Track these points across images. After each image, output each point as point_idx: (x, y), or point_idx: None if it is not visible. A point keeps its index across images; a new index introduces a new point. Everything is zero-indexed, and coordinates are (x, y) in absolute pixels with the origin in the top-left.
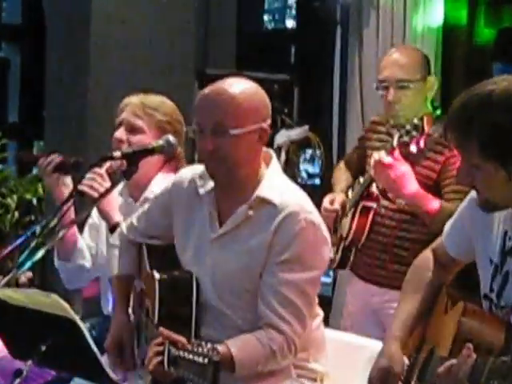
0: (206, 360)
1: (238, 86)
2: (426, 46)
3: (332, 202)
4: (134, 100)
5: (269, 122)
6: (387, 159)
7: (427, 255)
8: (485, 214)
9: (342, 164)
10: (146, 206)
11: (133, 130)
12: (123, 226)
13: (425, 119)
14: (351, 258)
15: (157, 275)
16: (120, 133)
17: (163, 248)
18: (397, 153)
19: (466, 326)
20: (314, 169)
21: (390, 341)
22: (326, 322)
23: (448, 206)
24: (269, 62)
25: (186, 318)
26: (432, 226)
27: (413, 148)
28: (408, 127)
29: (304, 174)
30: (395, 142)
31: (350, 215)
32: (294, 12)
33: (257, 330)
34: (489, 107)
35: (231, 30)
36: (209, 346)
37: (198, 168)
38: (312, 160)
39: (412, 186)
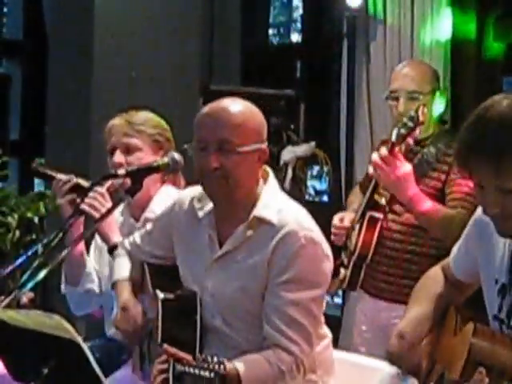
0: (213, 374)
1: (239, 106)
2: (435, 61)
3: (342, 220)
4: (118, 121)
5: (266, 143)
6: (384, 153)
7: (437, 271)
8: (490, 235)
9: (356, 188)
10: (149, 226)
11: (128, 150)
12: (126, 243)
13: (420, 110)
14: (361, 276)
15: (160, 295)
16: (118, 157)
17: (166, 268)
18: (397, 149)
19: (477, 347)
20: (322, 185)
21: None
22: (336, 343)
23: (450, 213)
24: (274, 78)
25: (189, 338)
26: (432, 231)
27: (410, 140)
28: (405, 120)
29: (311, 191)
30: (394, 137)
31: (357, 228)
32: (299, 26)
33: (265, 350)
34: None
35: (236, 45)
36: (215, 359)
37: (197, 190)
38: (319, 176)
39: (411, 188)
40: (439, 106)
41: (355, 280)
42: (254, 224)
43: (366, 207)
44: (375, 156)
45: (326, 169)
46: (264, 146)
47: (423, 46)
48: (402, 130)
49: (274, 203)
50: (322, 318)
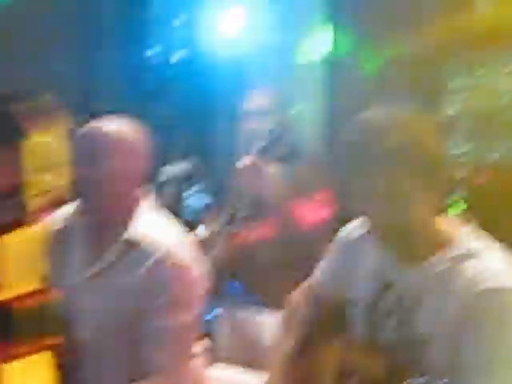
0: None
1: (114, 126)
2: (313, 78)
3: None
4: None
5: (144, 162)
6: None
7: (301, 292)
8: (350, 253)
9: None
10: None
11: None
12: None
13: (275, 130)
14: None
15: None
16: None
17: None
18: (257, 159)
19: (346, 361)
20: (200, 203)
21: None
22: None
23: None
24: (154, 98)
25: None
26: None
27: (268, 156)
28: (262, 138)
29: (191, 207)
30: (254, 152)
31: (218, 242)
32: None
33: (150, 376)
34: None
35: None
36: None
37: (71, 207)
38: (198, 192)
39: (272, 190)
40: (290, 125)
41: (216, 292)
42: (125, 246)
43: (227, 223)
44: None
45: (203, 187)
46: (140, 163)
47: (301, 65)
48: (260, 148)
49: (147, 225)
50: (196, 338)
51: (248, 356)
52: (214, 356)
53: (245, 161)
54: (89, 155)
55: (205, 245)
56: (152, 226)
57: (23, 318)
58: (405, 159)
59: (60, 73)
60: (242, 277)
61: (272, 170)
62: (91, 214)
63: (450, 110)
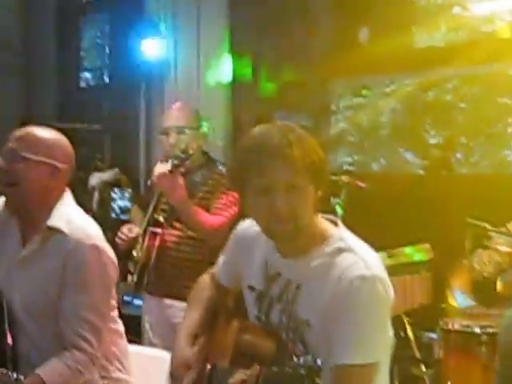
0: None
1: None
2: (218, 99)
3: (130, 230)
4: None
5: (64, 165)
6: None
7: (206, 278)
8: (248, 248)
9: (135, 206)
10: None
11: None
12: None
13: (190, 145)
14: (145, 281)
15: None
16: None
17: None
18: (175, 168)
19: (242, 340)
20: (125, 204)
21: (181, 342)
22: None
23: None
24: (85, 114)
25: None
26: (211, 244)
27: (181, 169)
28: (177, 152)
29: (117, 210)
30: (169, 167)
31: (140, 241)
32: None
33: (63, 353)
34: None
35: (52, 85)
36: (11, 375)
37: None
38: (123, 197)
39: (182, 194)
40: (202, 139)
41: (140, 283)
42: (47, 232)
43: (148, 224)
44: (156, 171)
45: (128, 190)
46: (60, 164)
47: (208, 87)
48: (176, 161)
49: (66, 214)
50: (113, 314)
51: (171, 340)
52: (141, 339)
53: (160, 171)
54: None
55: (129, 242)
56: (71, 215)
57: None
58: (294, 156)
59: None
60: (161, 270)
61: (184, 177)
62: (17, 206)
63: (338, 127)
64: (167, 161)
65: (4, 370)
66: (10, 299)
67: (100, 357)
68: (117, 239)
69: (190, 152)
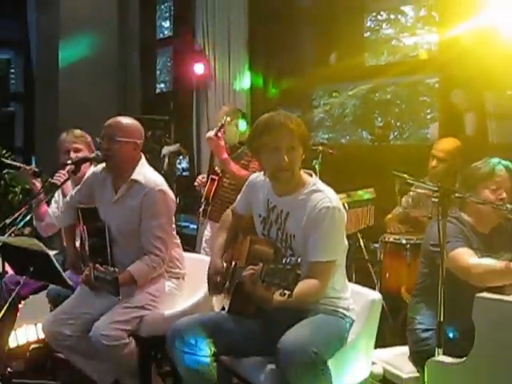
0: (110, 277)
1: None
2: (242, 99)
3: (203, 177)
4: (66, 137)
5: (140, 141)
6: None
7: (228, 212)
8: (257, 189)
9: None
10: (79, 186)
11: (76, 150)
12: (68, 197)
13: (227, 120)
14: (208, 211)
15: (85, 225)
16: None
17: (89, 208)
18: (219, 134)
19: (253, 248)
20: (184, 166)
21: (216, 256)
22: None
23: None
24: (159, 110)
25: (104, 248)
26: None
27: (220, 132)
28: (219, 124)
29: (180, 170)
30: (215, 131)
31: (206, 185)
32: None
33: (143, 257)
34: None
35: (138, 91)
36: (111, 269)
37: (100, 166)
38: (182, 161)
39: (225, 154)
40: (242, 124)
41: (205, 212)
42: (131, 183)
43: (209, 172)
44: (207, 135)
45: (186, 158)
46: (139, 142)
47: (235, 93)
48: (216, 128)
49: (143, 171)
50: (174, 232)
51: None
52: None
53: (208, 135)
54: (108, 134)
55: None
56: (146, 172)
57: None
58: (293, 134)
59: None
60: (216, 203)
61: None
62: (112, 166)
63: (318, 116)
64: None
65: (107, 266)
66: (109, 225)
67: (166, 259)
68: (195, 183)
69: (223, 123)
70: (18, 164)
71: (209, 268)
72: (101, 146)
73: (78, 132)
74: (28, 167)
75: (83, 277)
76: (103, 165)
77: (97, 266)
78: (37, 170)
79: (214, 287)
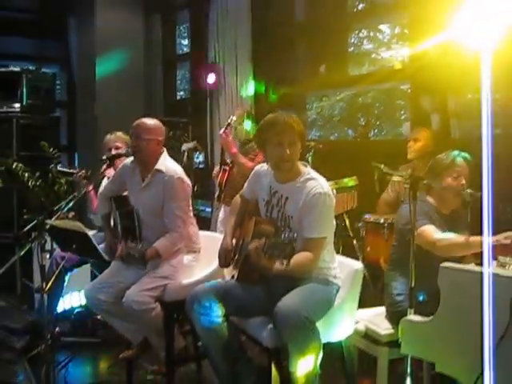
0: (138, 253)
1: (150, 120)
2: (247, 104)
3: (218, 170)
4: (110, 137)
5: (162, 137)
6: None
7: (237, 197)
8: (262, 177)
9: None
10: (112, 178)
11: (117, 148)
12: (102, 187)
13: (233, 119)
14: (222, 196)
15: (117, 210)
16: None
17: (121, 196)
18: (227, 131)
19: (257, 227)
20: (200, 160)
21: (227, 235)
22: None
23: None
24: (181, 112)
25: (134, 228)
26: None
27: (228, 129)
28: (229, 121)
29: (196, 163)
30: (223, 129)
31: (219, 174)
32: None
33: (166, 235)
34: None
35: (161, 98)
36: (139, 246)
37: (129, 159)
38: (199, 156)
39: (233, 148)
40: (247, 122)
41: (219, 197)
42: (155, 172)
43: (221, 164)
44: (221, 131)
45: (201, 153)
46: (161, 139)
47: (242, 98)
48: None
49: (165, 163)
50: (191, 214)
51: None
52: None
53: (219, 133)
54: (135, 133)
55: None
56: (167, 163)
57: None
58: (294, 131)
59: None
60: (228, 189)
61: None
62: (139, 159)
63: (311, 117)
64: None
65: (136, 244)
66: (137, 209)
67: (185, 235)
68: (213, 173)
69: (231, 121)
70: (71, 171)
71: (220, 246)
72: (130, 143)
73: (119, 133)
74: (79, 173)
75: (118, 253)
76: (132, 158)
77: (128, 244)
78: (87, 173)
79: (224, 261)
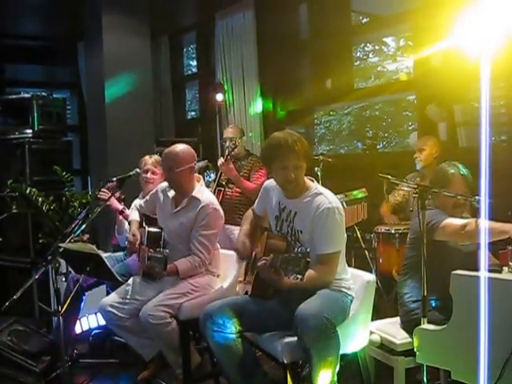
0: (160, 255)
1: (180, 146)
2: (255, 121)
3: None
4: (149, 159)
5: (194, 163)
6: (222, 160)
7: (250, 211)
8: (272, 192)
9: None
10: (147, 198)
11: (153, 173)
12: (137, 205)
13: (236, 141)
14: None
15: (147, 228)
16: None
17: (152, 218)
18: (227, 158)
19: (268, 242)
20: (211, 178)
21: (241, 232)
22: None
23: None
24: (189, 133)
25: (158, 247)
26: (251, 197)
27: (230, 156)
28: (230, 145)
29: (208, 182)
30: (226, 153)
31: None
32: (196, 106)
33: (188, 257)
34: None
35: (171, 118)
36: (162, 250)
37: (165, 183)
38: (210, 174)
39: (234, 172)
40: (244, 142)
41: None
42: (191, 199)
43: (216, 185)
44: (220, 161)
45: (213, 172)
46: (193, 164)
47: (249, 116)
48: (228, 150)
49: (201, 191)
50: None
51: (227, 243)
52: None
53: (219, 162)
54: (167, 165)
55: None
56: (204, 192)
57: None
58: (297, 155)
59: None
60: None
61: (235, 163)
62: (174, 188)
63: (320, 132)
64: (223, 156)
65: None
66: (167, 232)
67: (207, 262)
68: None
69: (236, 144)
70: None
71: (237, 242)
72: (164, 174)
73: (157, 158)
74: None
75: (140, 260)
76: (166, 183)
77: (150, 249)
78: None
79: (241, 254)
